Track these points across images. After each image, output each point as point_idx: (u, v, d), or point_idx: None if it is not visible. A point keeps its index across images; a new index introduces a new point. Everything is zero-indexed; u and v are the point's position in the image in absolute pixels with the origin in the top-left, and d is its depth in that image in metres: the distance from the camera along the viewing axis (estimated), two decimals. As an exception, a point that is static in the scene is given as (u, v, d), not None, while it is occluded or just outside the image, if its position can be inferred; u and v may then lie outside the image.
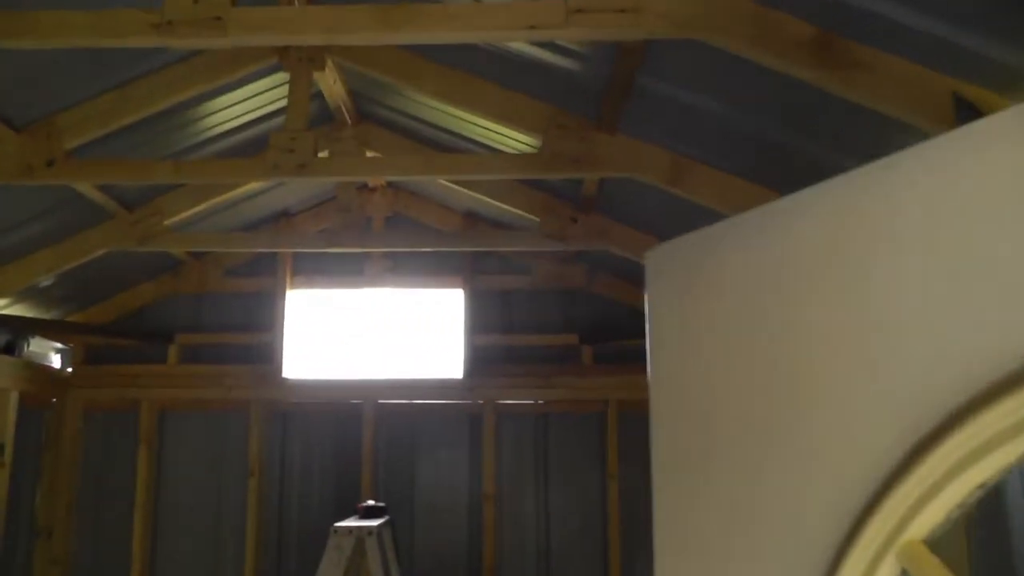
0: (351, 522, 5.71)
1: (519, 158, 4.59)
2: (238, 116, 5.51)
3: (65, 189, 5.25)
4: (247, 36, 3.16)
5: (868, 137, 3.44)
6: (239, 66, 4.76)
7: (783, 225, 2.08)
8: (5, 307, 6.28)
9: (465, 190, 6.17)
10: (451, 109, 5.20)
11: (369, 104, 5.90)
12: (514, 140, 5.23)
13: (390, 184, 7.30)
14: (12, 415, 6.12)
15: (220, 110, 5.33)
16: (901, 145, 1.87)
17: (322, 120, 6.04)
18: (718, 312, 2.25)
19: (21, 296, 6.29)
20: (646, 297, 2.53)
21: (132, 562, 6.83)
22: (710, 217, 2.72)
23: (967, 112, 2.59)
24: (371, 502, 6.21)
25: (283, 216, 7.30)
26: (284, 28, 3.15)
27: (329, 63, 4.96)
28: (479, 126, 5.29)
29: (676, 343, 2.39)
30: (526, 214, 6.02)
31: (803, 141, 3.84)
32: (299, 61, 4.74)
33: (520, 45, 4.15)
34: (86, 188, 5.27)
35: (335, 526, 5.52)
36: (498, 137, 5.31)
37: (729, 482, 2.15)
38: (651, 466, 2.47)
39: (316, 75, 4.94)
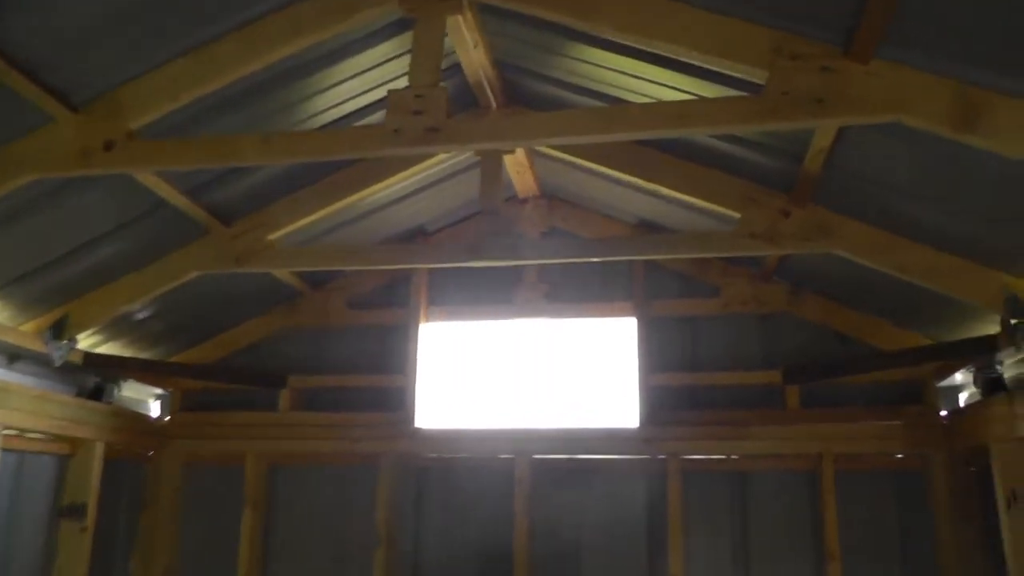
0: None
1: (734, 104, 3.21)
2: (354, 96, 4.37)
3: (147, 197, 4.27)
4: None
5: None
6: (350, 13, 3.60)
7: None
8: (95, 345, 5.32)
9: (640, 182, 4.84)
10: (637, 67, 3.90)
11: (520, 76, 4.68)
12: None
13: (544, 195, 6.08)
14: (96, 470, 5.14)
15: (330, 87, 4.21)
16: None
17: (461, 106, 4.87)
18: None
19: (113, 332, 5.34)
20: None
21: (236, 646, 5.72)
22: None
23: None
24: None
25: (418, 235, 6.17)
26: None
27: (468, 10, 3.76)
28: (675, 89, 3.95)
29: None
30: (721, 208, 4.62)
31: None
32: (426, 1, 3.55)
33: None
34: (170, 194, 4.28)
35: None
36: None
37: None
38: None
39: (451, 27, 3.73)
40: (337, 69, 4.06)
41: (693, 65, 3.65)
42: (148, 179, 4.06)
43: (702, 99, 3.38)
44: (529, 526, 5.58)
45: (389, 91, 3.37)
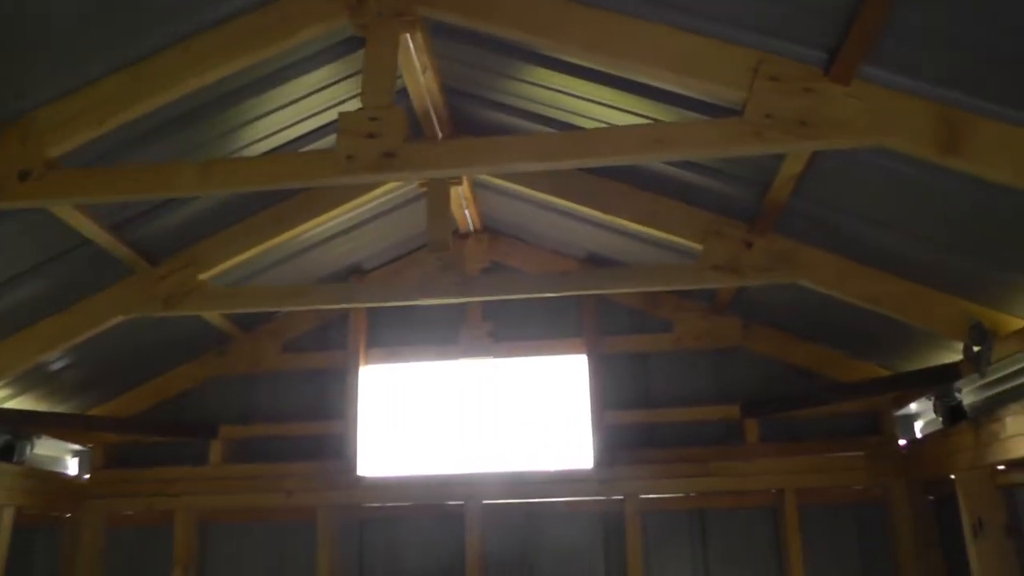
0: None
1: (716, 127, 3.01)
2: (297, 122, 4.08)
3: (67, 234, 3.89)
4: None
5: None
6: (294, 30, 3.33)
7: None
8: (5, 399, 4.86)
9: (596, 214, 4.64)
10: (594, 91, 3.72)
11: (469, 104, 4.46)
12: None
13: (485, 229, 5.87)
14: (3, 539, 4.64)
15: (271, 111, 3.92)
16: None
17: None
18: None
19: (26, 384, 4.88)
20: None
21: None
22: None
23: None
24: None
25: (353, 273, 5.88)
26: None
27: (419, 31, 3.53)
28: (634, 114, 3.78)
29: None
30: (682, 240, 4.45)
31: None
32: (379, 18, 3.30)
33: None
34: (92, 230, 3.91)
35: None
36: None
37: None
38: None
39: (400, 51, 3.47)
40: (279, 92, 3.78)
41: (655, 89, 3.51)
42: (68, 213, 3.68)
43: (681, 122, 3.19)
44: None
45: (340, 114, 3.10)
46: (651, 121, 3.74)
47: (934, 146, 2.90)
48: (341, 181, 3.08)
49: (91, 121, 3.19)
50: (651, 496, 5.38)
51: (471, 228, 5.80)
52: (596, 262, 5.66)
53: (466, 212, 5.48)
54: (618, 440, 5.49)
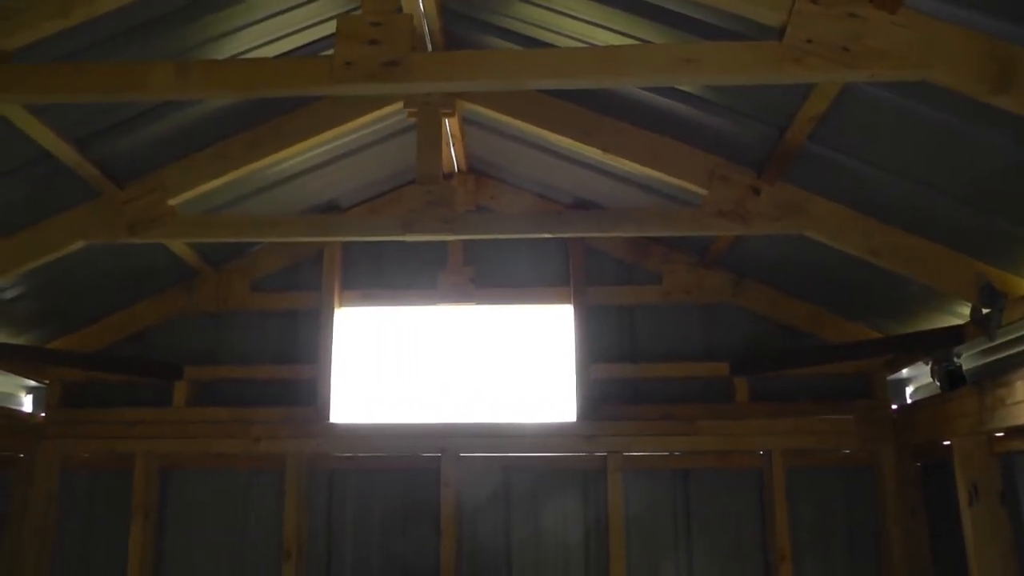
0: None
1: (753, 50, 2.77)
2: (287, 34, 3.76)
3: (24, 147, 3.58)
4: None
5: None
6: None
7: None
8: (-48, 328, 4.53)
9: (587, 151, 4.39)
10: (612, 18, 3.44)
11: (467, 28, 4.16)
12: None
13: (471, 170, 5.62)
14: (-49, 478, 4.34)
15: (260, 20, 3.59)
16: None
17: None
18: None
19: (-25, 313, 4.54)
20: None
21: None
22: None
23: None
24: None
25: (330, 211, 5.58)
26: None
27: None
28: (644, 42, 3.51)
29: None
30: (686, 184, 4.21)
31: None
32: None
33: None
34: (53, 144, 3.60)
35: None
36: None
37: None
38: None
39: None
40: (266, -1, 3.46)
41: (678, 16, 3.24)
42: (25, 121, 3.34)
43: (715, 43, 2.92)
44: (457, 532, 5.12)
45: (339, 17, 2.81)
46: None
47: (983, 82, 2.69)
48: (336, 90, 2.79)
49: (54, 12, 2.83)
50: (635, 454, 5.21)
51: (456, 168, 5.53)
52: (584, 208, 5.44)
53: (452, 151, 5.21)
54: (602, 395, 5.32)
